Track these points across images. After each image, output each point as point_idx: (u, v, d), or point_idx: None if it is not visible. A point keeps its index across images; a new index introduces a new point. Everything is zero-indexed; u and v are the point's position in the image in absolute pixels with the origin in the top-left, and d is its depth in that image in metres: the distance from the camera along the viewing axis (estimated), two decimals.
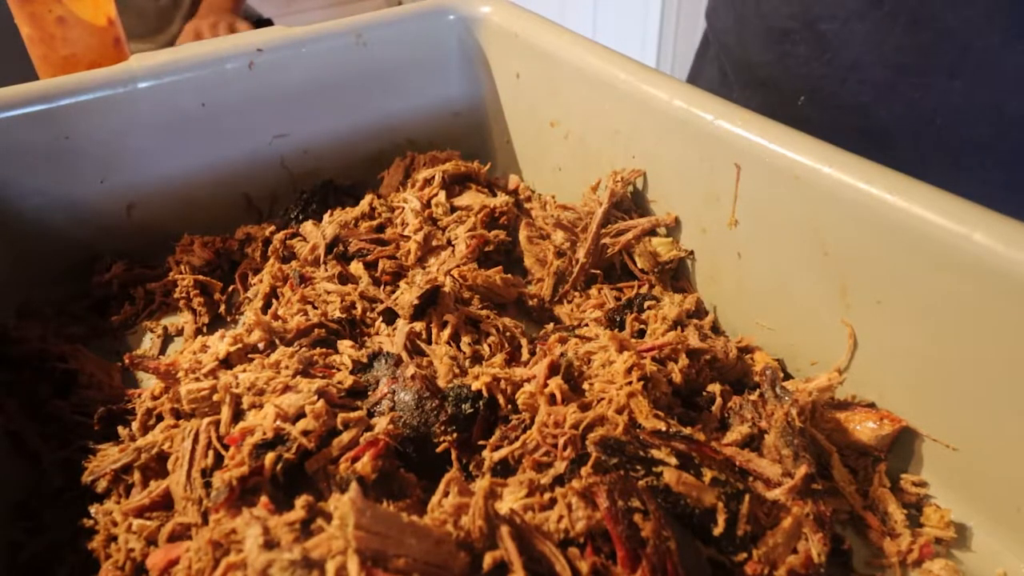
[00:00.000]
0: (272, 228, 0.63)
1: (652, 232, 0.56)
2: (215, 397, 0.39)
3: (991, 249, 0.36)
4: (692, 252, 0.55)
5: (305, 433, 0.36)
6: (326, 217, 0.62)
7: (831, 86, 0.70)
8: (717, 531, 0.35)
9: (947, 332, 0.39)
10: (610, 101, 0.58)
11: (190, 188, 0.64)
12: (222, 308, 0.58)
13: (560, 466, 0.36)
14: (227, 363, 0.44)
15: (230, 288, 0.60)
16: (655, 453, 0.35)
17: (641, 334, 0.49)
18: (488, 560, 0.30)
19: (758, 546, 0.35)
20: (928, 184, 0.40)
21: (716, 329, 0.53)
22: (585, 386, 0.40)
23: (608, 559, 0.32)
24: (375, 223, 0.62)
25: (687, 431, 0.37)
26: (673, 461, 0.35)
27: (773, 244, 0.48)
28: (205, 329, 0.56)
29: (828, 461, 0.42)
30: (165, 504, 0.37)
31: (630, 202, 0.58)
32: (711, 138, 0.50)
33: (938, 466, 0.42)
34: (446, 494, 0.33)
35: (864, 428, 0.43)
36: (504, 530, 0.31)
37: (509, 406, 0.41)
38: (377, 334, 0.51)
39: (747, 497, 0.35)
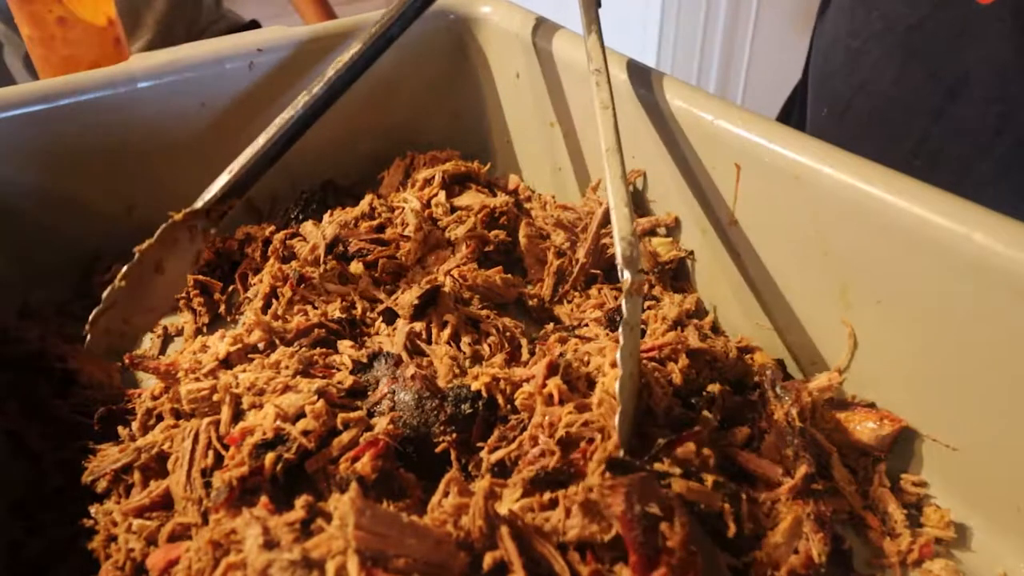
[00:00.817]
0: (272, 228, 0.62)
1: (652, 232, 0.56)
2: (215, 397, 0.39)
3: (991, 249, 0.36)
4: (692, 252, 0.55)
5: (305, 433, 0.36)
6: (326, 217, 0.62)
7: (842, 103, 0.71)
8: (730, 533, 0.35)
9: (947, 332, 0.39)
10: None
11: (190, 188, 0.64)
12: (222, 308, 0.58)
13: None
14: (227, 363, 0.44)
15: (230, 288, 0.60)
16: (659, 466, 0.35)
17: (641, 334, 0.49)
18: (488, 560, 0.30)
19: (761, 547, 0.35)
20: (928, 184, 0.40)
21: (716, 329, 0.53)
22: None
23: (609, 568, 0.32)
24: (375, 223, 0.62)
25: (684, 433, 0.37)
26: (678, 471, 0.35)
27: (773, 244, 0.48)
28: (205, 329, 0.56)
29: (828, 461, 0.42)
30: (165, 504, 0.37)
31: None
32: (711, 138, 0.50)
33: (938, 466, 0.42)
34: (446, 494, 0.33)
35: (864, 428, 0.43)
36: (504, 530, 0.31)
37: (508, 406, 0.41)
38: (377, 334, 0.51)
39: (743, 496, 0.35)
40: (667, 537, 0.32)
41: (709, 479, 0.35)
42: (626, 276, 0.38)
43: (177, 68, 0.61)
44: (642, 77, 0.55)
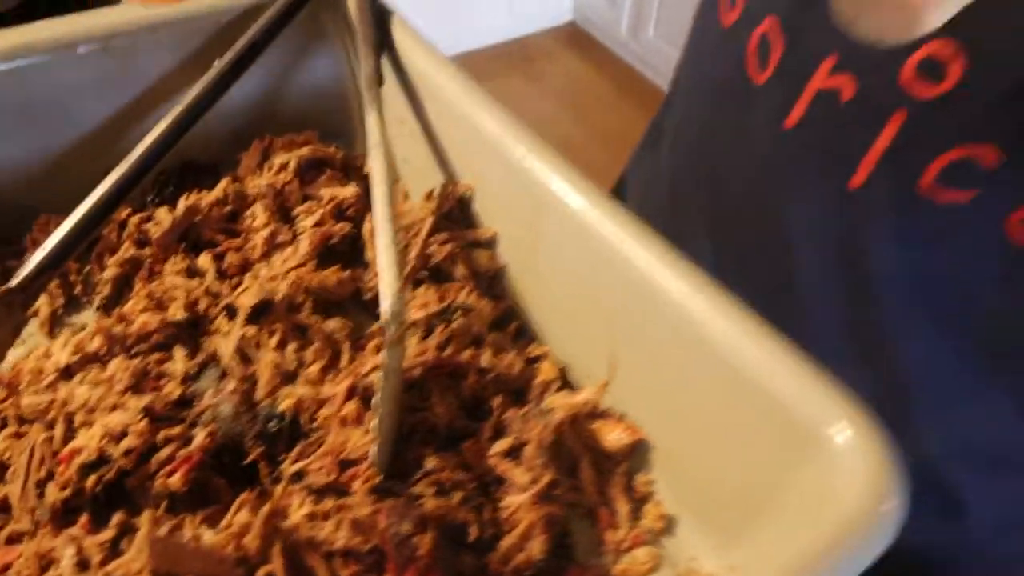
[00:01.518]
0: (128, 210, 0.66)
1: (475, 244, 0.63)
2: (51, 415, 0.45)
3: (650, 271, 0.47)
4: (505, 266, 0.62)
5: (126, 453, 0.43)
6: (181, 202, 0.66)
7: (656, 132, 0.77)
8: (471, 538, 0.44)
9: (656, 357, 0.49)
10: (444, 116, 0.63)
11: (47, 168, 0.66)
12: (78, 288, 0.63)
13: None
14: (68, 371, 0.50)
15: (87, 268, 0.64)
16: (415, 490, 0.44)
17: (444, 346, 0.57)
18: (261, 574, 0.39)
19: (497, 548, 0.45)
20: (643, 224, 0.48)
21: (520, 333, 0.62)
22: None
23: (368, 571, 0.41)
24: (227, 210, 0.66)
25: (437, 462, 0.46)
26: (431, 491, 0.44)
27: (563, 270, 0.56)
28: (60, 310, 0.61)
29: (579, 464, 0.52)
30: (3, 508, 0.44)
31: (459, 214, 0.65)
32: (520, 172, 0.56)
33: (660, 468, 0.52)
34: (237, 512, 0.41)
35: (612, 437, 0.53)
36: (276, 548, 0.39)
37: (312, 423, 0.48)
38: (217, 332, 0.57)
39: (486, 506, 0.45)
40: (417, 547, 0.41)
41: (457, 496, 0.44)
42: (391, 329, 0.46)
43: (28, 51, 0.61)
44: (469, 95, 0.59)
